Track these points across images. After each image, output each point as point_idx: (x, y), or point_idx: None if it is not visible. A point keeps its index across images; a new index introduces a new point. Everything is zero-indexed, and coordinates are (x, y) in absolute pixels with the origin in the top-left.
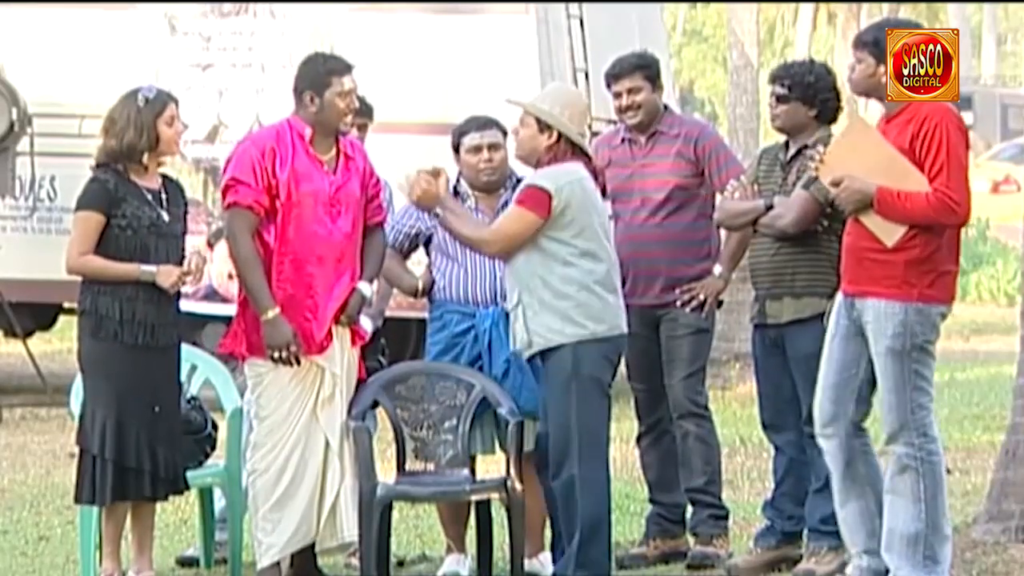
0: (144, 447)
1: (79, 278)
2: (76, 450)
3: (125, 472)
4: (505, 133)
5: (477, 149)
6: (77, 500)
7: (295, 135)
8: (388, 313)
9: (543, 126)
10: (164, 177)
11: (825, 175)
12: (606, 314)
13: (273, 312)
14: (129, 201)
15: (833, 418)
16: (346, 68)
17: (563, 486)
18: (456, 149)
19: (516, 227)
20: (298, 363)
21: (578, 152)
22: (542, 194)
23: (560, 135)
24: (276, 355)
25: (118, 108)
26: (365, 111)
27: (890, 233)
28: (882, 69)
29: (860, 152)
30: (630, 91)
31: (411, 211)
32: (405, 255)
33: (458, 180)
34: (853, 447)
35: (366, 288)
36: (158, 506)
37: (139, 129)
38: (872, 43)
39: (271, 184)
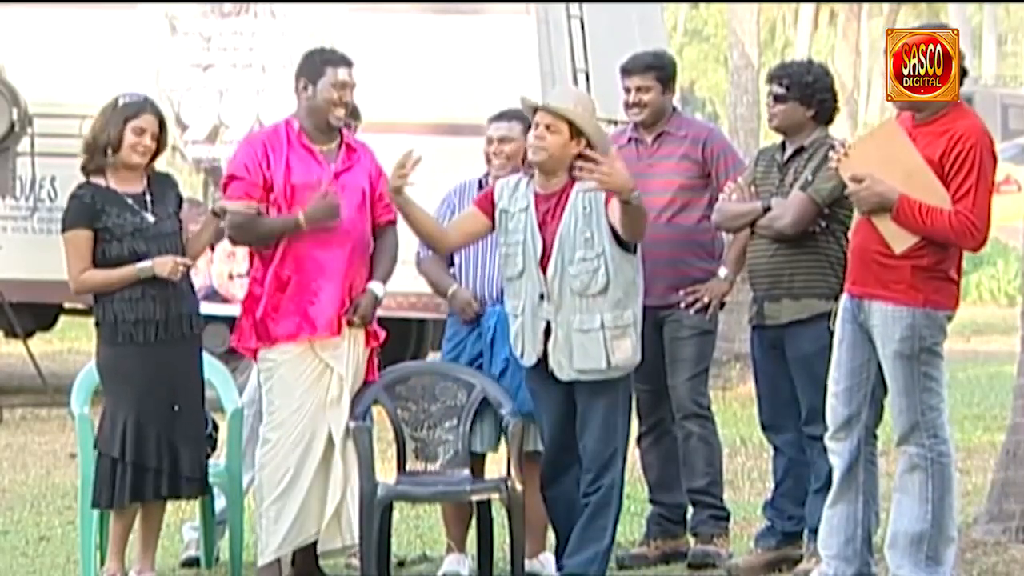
0: (164, 447)
1: None
2: (76, 451)
3: (143, 473)
4: (528, 127)
5: (488, 141)
6: (95, 504)
7: (289, 129)
8: (389, 313)
9: (575, 132)
10: (151, 177)
11: (845, 170)
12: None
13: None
14: (108, 211)
15: (846, 423)
16: (341, 60)
17: (604, 491)
18: None
19: None
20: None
21: None
22: None
23: (588, 142)
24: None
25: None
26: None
27: (901, 241)
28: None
29: (886, 155)
30: (639, 89)
31: (449, 201)
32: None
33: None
34: (860, 453)
35: (378, 288)
36: None
37: (104, 125)
38: None
39: (266, 178)
